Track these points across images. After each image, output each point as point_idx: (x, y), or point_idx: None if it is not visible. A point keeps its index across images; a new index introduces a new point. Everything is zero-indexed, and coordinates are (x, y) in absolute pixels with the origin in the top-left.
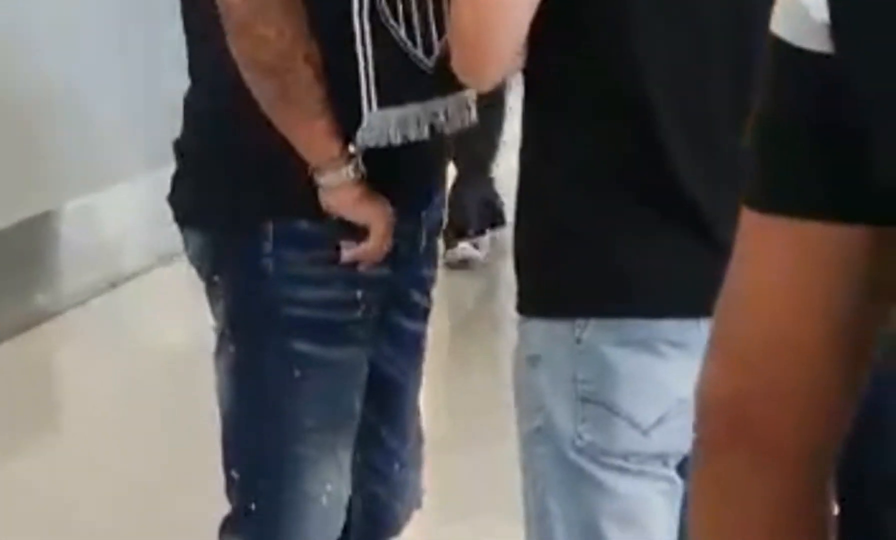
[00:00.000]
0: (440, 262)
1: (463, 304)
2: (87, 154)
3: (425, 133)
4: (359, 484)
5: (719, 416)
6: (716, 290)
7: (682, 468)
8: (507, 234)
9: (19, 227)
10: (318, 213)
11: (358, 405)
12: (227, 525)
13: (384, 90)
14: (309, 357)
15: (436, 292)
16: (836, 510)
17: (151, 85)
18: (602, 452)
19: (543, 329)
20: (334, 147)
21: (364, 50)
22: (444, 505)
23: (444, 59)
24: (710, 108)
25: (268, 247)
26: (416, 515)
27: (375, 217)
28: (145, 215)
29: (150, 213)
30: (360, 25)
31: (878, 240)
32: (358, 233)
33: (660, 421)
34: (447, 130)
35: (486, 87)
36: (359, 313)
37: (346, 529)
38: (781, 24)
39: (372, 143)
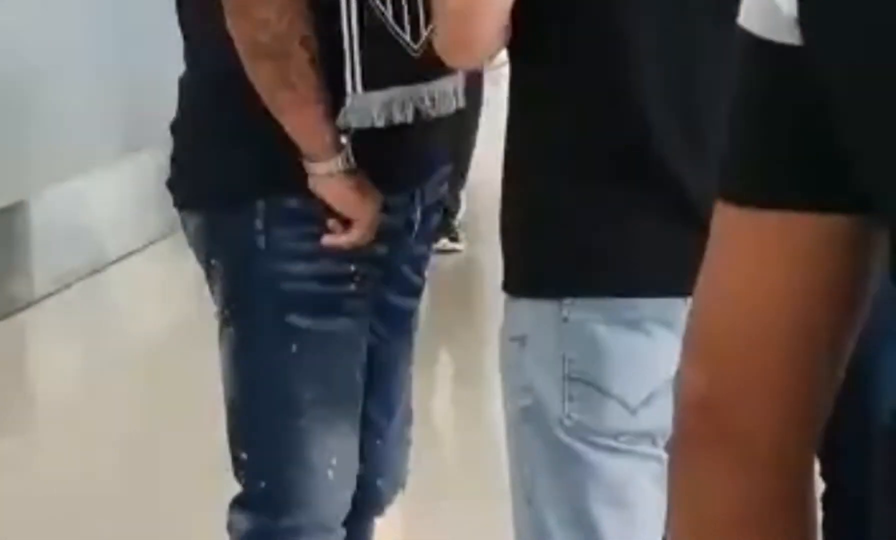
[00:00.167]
0: None
1: (444, 285)
2: (60, 142)
3: (410, 117)
4: None
5: (692, 410)
6: (700, 268)
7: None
8: (483, 221)
9: None
10: (308, 190)
11: (359, 378)
12: (237, 504)
13: (369, 73)
14: (305, 331)
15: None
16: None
17: (123, 71)
18: (590, 432)
19: (530, 309)
20: (326, 135)
21: (350, 32)
22: (429, 487)
23: (431, 44)
24: (696, 86)
25: (259, 224)
26: (400, 497)
27: (361, 212)
28: (120, 203)
29: (125, 202)
30: (348, 8)
31: (851, 229)
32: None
33: (647, 399)
34: (433, 115)
35: (472, 65)
36: (353, 286)
37: (355, 506)
38: (749, 18)
39: (355, 125)
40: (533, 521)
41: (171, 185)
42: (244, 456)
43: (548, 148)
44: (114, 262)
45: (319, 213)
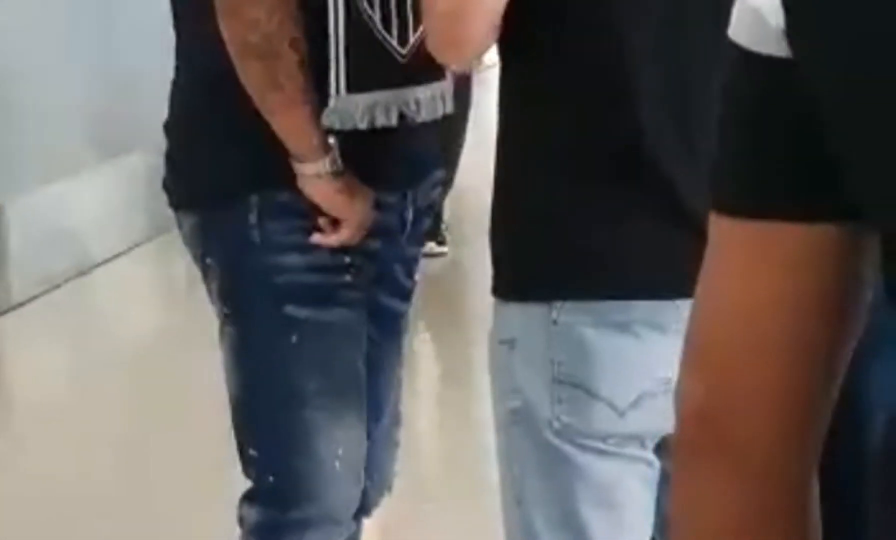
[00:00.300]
0: None
1: (430, 287)
2: (41, 146)
3: (394, 121)
4: None
5: (690, 420)
6: (693, 271)
7: (659, 450)
8: (469, 224)
9: None
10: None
11: (361, 369)
12: (247, 498)
13: (354, 75)
14: (304, 321)
15: None
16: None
17: (106, 73)
18: (579, 434)
19: (519, 312)
20: (314, 137)
21: (337, 34)
22: (415, 489)
23: (419, 49)
24: (691, 88)
25: (253, 219)
26: (386, 498)
27: (349, 213)
28: (103, 206)
29: (108, 205)
30: (335, 10)
31: (842, 238)
32: None
33: (636, 402)
34: (418, 120)
35: (463, 65)
36: (348, 277)
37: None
38: (738, 30)
39: (337, 126)
40: (522, 522)
41: (166, 185)
42: (251, 451)
43: (540, 148)
44: (98, 265)
45: (312, 207)
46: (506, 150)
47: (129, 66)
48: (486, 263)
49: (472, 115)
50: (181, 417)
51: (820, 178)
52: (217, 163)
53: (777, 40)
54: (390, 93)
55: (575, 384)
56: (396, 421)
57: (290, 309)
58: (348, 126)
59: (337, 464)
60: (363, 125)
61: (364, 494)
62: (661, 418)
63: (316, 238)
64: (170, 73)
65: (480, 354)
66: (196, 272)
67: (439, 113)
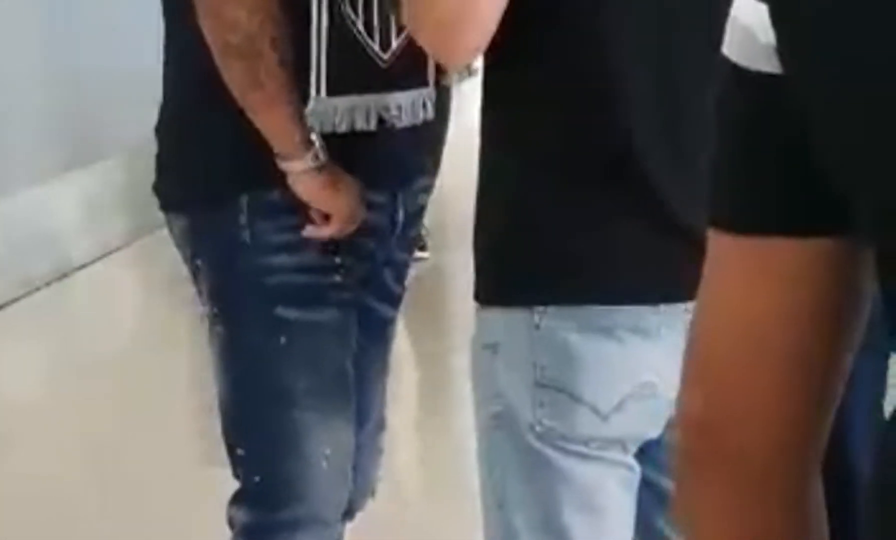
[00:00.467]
0: None
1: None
2: (20, 150)
3: (373, 125)
4: None
5: (690, 432)
6: (675, 276)
7: (641, 455)
8: (451, 229)
9: None
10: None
11: (349, 370)
12: (236, 500)
13: (333, 79)
14: (292, 322)
15: None
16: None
17: (80, 80)
18: (562, 438)
19: (502, 317)
20: (296, 134)
21: (318, 37)
22: (397, 493)
23: (402, 54)
24: (678, 94)
25: (243, 219)
26: (369, 503)
27: (336, 206)
28: (79, 211)
29: (84, 210)
30: (318, 14)
31: (836, 251)
32: None
33: (619, 406)
34: (398, 125)
35: (456, 65)
36: (338, 277)
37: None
38: (731, 47)
39: (316, 128)
40: (503, 526)
41: (156, 187)
42: (240, 451)
43: (523, 153)
44: (78, 268)
45: (302, 206)
46: (489, 154)
47: (104, 70)
48: (467, 269)
49: (454, 119)
50: (161, 418)
51: (815, 194)
52: (207, 164)
53: (768, 57)
54: (370, 97)
55: (558, 388)
56: (381, 427)
57: (280, 310)
58: (327, 129)
59: (324, 464)
60: (342, 128)
61: (348, 498)
62: (643, 423)
63: (308, 231)
64: (148, 80)
65: (461, 360)
66: (175, 275)
67: (420, 119)
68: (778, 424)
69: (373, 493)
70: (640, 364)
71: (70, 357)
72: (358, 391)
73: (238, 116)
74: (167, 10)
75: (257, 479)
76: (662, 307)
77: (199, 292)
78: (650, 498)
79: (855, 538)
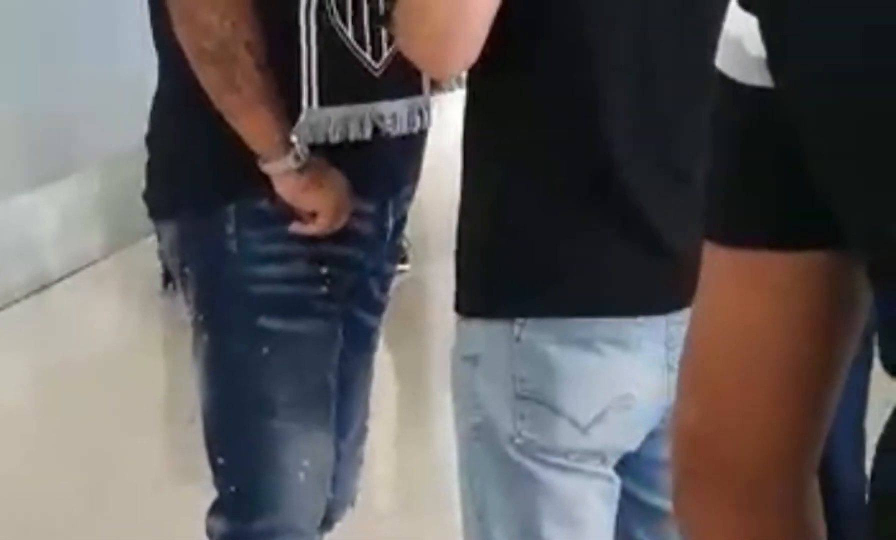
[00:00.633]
0: None
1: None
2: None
3: (368, 134)
4: None
5: (684, 444)
6: (655, 288)
7: (620, 467)
8: (432, 241)
9: None
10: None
11: (331, 381)
12: (214, 510)
13: (326, 89)
14: (276, 333)
15: None
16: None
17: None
18: (541, 450)
19: (482, 328)
20: (275, 135)
21: (309, 48)
22: (375, 503)
23: (394, 63)
24: (662, 106)
25: (230, 228)
26: (349, 513)
27: (322, 205)
28: (59, 223)
29: (63, 222)
30: (307, 25)
31: (829, 263)
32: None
33: (599, 418)
34: (393, 134)
35: (447, 76)
36: (324, 288)
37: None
38: (724, 60)
39: (309, 139)
40: (483, 537)
41: (145, 195)
42: (220, 460)
43: (508, 162)
44: (57, 280)
45: (291, 213)
46: (472, 163)
47: (81, 80)
48: (447, 280)
49: (436, 129)
50: (139, 429)
51: (809, 207)
52: (194, 172)
53: (759, 71)
54: (364, 106)
55: (538, 400)
56: (362, 438)
57: (263, 320)
58: (320, 139)
59: (302, 475)
60: (335, 139)
61: (327, 508)
62: (622, 435)
63: (294, 226)
64: (125, 91)
65: (440, 373)
66: (152, 287)
67: (416, 127)
68: (773, 435)
69: (352, 503)
70: (619, 376)
71: (48, 369)
72: (340, 401)
73: (226, 126)
74: (153, 19)
75: (234, 488)
76: (642, 319)
77: (187, 301)
78: (630, 510)
79: None
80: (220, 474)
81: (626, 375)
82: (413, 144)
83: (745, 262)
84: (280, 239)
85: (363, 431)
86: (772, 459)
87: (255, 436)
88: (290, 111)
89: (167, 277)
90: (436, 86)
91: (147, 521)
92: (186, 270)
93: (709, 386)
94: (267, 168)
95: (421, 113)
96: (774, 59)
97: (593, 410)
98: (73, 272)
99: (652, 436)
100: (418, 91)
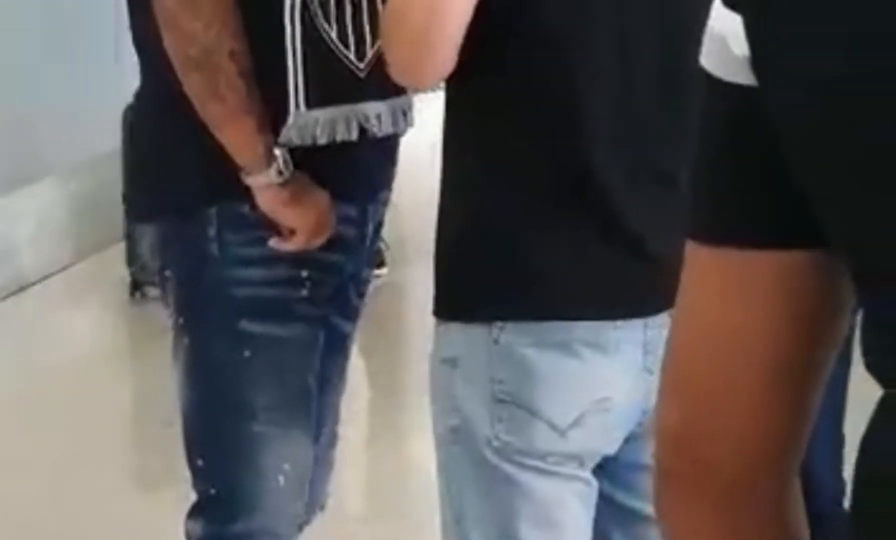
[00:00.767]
0: None
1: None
2: None
3: (354, 135)
4: None
5: (666, 446)
6: (634, 292)
7: (598, 470)
8: (410, 245)
9: None
10: None
11: (311, 384)
12: (192, 513)
13: (313, 91)
14: (257, 336)
15: None
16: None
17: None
18: (519, 453)
19: (461, 332)
20: (258, 146)
21: (294, 50)
22: (346, 508)
23: (378, 63)
24: (639, 109)
25: (212, 231)
26: (319, 517)
27: (301, 223)
28: (34, 226)
29: (38, 225)
30: (292, 26)
31: (812, 264)
32: None
33: (577, 421)
34: (378, 134)
35: (427, 85)
36: (305, 291)
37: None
38: (708, 58)
39: (297, 142)
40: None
41: (127, 198)
42: (199, 463)
43: (487, 165)
44: (33, 283)
45: (272, 219)
46: (450, 166)
47: (53, 86)
48: (425, 284)
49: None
50: (114, 433)
51: (794, 206)
52: (176, 175)
53: (744, 69)
54: (350, 107)
55: (516, 404)
56: (333, 443)
57: (244, 323)
58: (307, 141)
59: (282, 479)
60: (323, 140)
61: None
62: (600, 438)
63: (273, 242)
64: (97, 95)
65: (416, 376)
66: (128, 292)
67: (401, 128)
68: (756, 436)
69: (322, 506)
70: (597, 380)
71: (24, 372)
72: (315, 405)
73: (208, 130)
74: (132, 20)
75: (213, 491)
76: (621, 323)
77: (167, 304)
78: (607, 513)
79: None
80: (200, 477)
81: (604, 379)
82: (390, 147)
83: (730, 262)
84: (261, 243)
85: (334, 436)
86: (755, 460)
87: (235, 439)
88: (275, 116)
89: (135, 285)
90: None
91: (123, 523)
92: (167, 272)
93: (691, 387)
94: (249, 180)
95: (404, 114)
96: (758, 61)
97: (571, 413)
98: (50, 275)
99: (629, 439)
100: (402, 91)
